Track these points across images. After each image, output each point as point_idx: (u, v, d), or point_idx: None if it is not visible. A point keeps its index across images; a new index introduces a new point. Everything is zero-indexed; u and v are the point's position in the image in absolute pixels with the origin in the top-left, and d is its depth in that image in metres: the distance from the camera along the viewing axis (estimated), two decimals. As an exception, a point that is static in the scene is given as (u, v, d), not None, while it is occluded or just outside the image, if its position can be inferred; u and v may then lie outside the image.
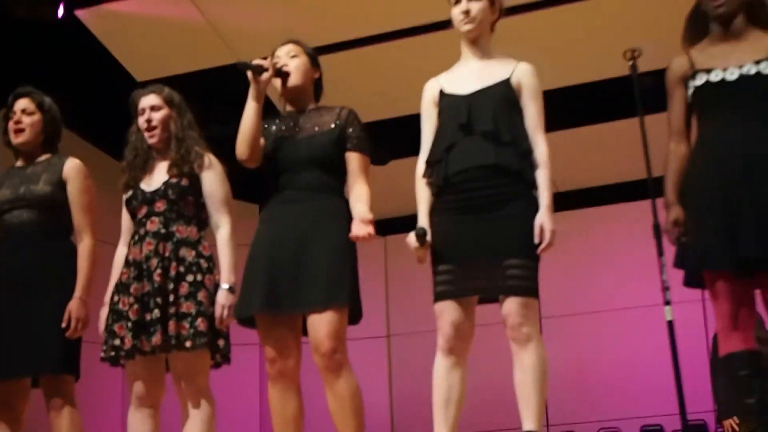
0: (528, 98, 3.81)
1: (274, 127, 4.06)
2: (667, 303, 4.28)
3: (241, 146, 3.95)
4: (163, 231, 4.06)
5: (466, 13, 3.83)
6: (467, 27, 3.86)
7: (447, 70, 3.99)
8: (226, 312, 3.95)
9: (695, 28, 3.88)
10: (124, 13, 9.55)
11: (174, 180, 4.13)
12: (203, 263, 4.05)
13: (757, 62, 3.66)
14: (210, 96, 10.11)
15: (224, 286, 4.00)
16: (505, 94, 3.79)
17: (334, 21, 8.76)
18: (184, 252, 4.04)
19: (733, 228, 3.52)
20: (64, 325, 4.10)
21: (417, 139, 3.93)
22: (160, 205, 4.10)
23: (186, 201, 4.13)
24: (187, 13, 9.49)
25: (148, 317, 3.94)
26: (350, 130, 3.98)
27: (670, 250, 3.86)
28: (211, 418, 4.02)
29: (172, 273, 3.99)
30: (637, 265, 9.78)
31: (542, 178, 3.72)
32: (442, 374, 3.70)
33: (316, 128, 4.00)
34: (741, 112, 3.64)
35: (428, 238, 3.71)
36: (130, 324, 3.94)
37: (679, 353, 4.37)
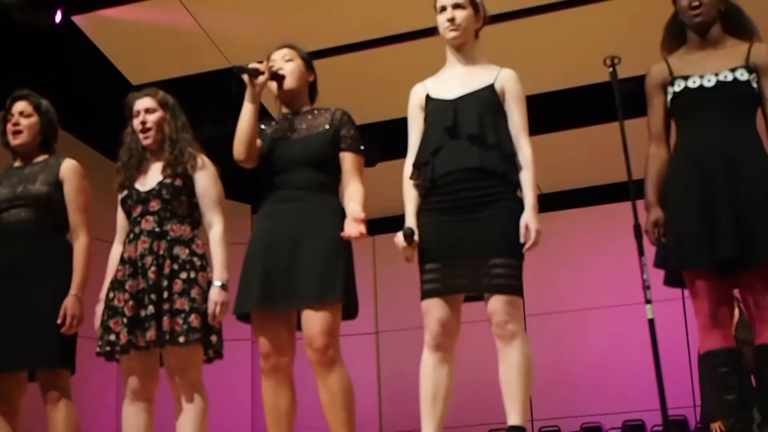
0: (511, 102, 3.82)
1: (270, 129, 4.07)
2: (648, 302, 4.28)
3: (238, 147, 3.95)
4: (157, 230, 4.07)
5: (452, 20, 3.84)
6: (452, 34, 3.86)
7: (433, 75, 4.00)
8: (218, 309, 3.95)
9: (673, 36, 3.90)
10: (120, 18, 9.54)
11: (168, 180, 4.13)
12: (196, 261, 4.06)
13: (733, 69, 3.67)
14: (203, 99, 10.11)
15: (217, 283, 4.00)
16: (489, 99, 3.80)
17: (324, 27, 8.77)
18: (177, 250, 4.05)
19: (712, 229, 3.53)
20: (59, 321, 4.10)
21: (404, 141, 3.93)
22: (155, 205, 4.11)
23: (179, 200, 4.13)
24: (181, 19, 9.49)
25: (142, 313, 3.94)
26: (344, 130, 3.99)
27: (650, 251, 3.87)
28: (204, 412, 4.03)
29: (166, 270, 4.00)
30: (618, 264, 9.82)
31: (526, 179, 3.73)
32: (429, 370, 3.70)
33: (311, 129, 4.00)
34: (718, 117, 3.66)
35: (416, 237, 3.72)
36: (125, 320, 3.95)
37: (660, 350, 4.38)
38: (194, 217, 4.18)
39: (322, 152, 3.94)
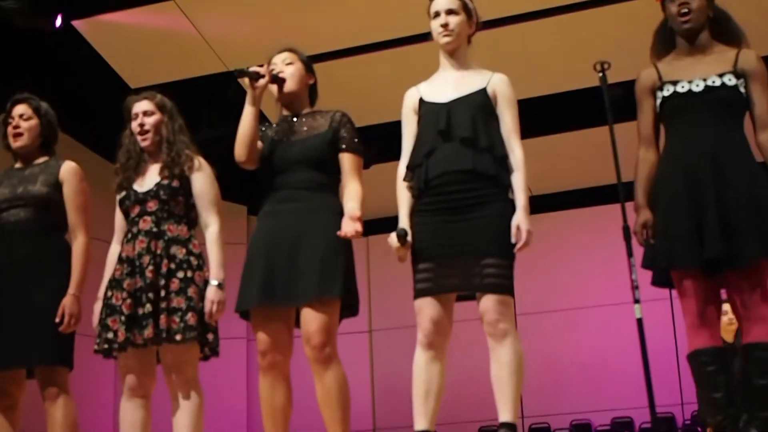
0: (503, 106, 3.82)
1: (270, 131, 4.07)
2: (637, 301, 4.28)
3: (240, 149, 3.95)
4: (154, 229, 4.07)
5: (445, 26, 3.84)
6: (446, 39, 3.87)
7: (426, 79, 3.99)
8: (215, 307, 3.96)
9: (663, 42, 3.90)
10: (119, 23, 9.54)
11: (165, 181, 4.13)
12: (193, 260, 4.06)
13: (721, 75, 3.68)
14: (200, 102, 10.11)
15: (213, 282, 4.01)
16: (481, 102, 3.80)
17: (318, 32, 8.78)
18: (174, 249, 4.05)
19: (699, 229, 3.54)
20: (57, 320, 4.09)
21: (397, 144, 3.93)
22: (152, 205, 4.11)
23: (176, 201, 4.13)
24: (179, 24, 9.49)
25: (140, 311, 3.95)
26: (343, 131, 3.99)
27: (639, 251, 3.87)
28: (200, 408, 4.03)
29: (164, 269, 4.00)
30: (607, 265, 9.82)
31: (518, 181, 3.73)
32: (422, 367, 3.70)
33: (311, 131, 4.00)
34: (706, 121, 3.66)
35: (409, 238, 3.72)
36: (123, 318, 3.95)
37: (648, 349, 4.38)
38: (191, 218, 4.18)
39: (321, 153, 3.94)
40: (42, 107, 4.46)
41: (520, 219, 3.65)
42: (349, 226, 3.72)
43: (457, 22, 3.85)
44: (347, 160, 3.97)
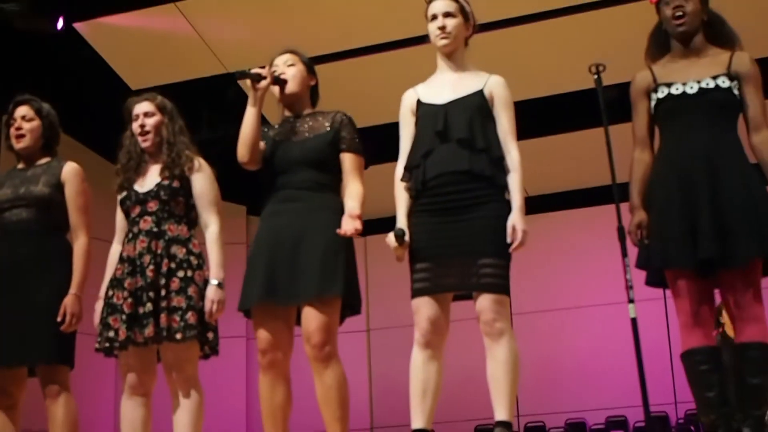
0: (500, 108, 3.82)
1: (272, 132, 4.07)
2: (631, 301, 4.27)
3: (242, 150, 3.95)
4: (155, 229, 4.07)
5: (442, 28, 3.85)
6: (443, 42, 3.87)
7: (423, 81, 3.99)
8: (215, 306, 3.96)
9: (657, 45, 3.90)
10: (120, 25, 9.54)
11: (166, 182, 4.13)
12: (193, 260, 4.06)
13: (715, 77, 3.68)
14: (200, 103, 10.11)
15: (213, 281, 4.01)
16: (478, 104, 3.80)
17: (316, 35, 8.78)
18: (175, 249, 4.05)
19: (693, 230, 3.54)
20: (59, 319, 4.09)
21: (394, 145, 3.93)
22: (153, 205, 4.11)
23: (177, 201, 4.13)
24: (179, 26, 9.49)
25: (141, 310, 3.95)
26: (344, 132, 3.99)
27: (633, 252, 3.87)
28: (200, 406, 4.04)
29: (164, 269, 4.00)
30: (602, 265, 9.82)
31: (514, 182, 3.73)
32: (419, 366, 3.70)
33: (312, 131, 4.00)
34: (700, 123, 3.66)
35: (406, 238, 3.72)
36: (124, 317, 3.95)
37: (642, 349, 4.38)
38: (191, 218, 4.18)
39: (322, 153, 3.95)
40: (44, 108, 4.46)
41: (515, 219, 3.65)
42: (349, 224, 3.72)
43: (455, 25, 3.85)
44: (348, 160, 3.97)
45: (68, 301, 4.13)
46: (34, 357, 4.14)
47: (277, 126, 4.10)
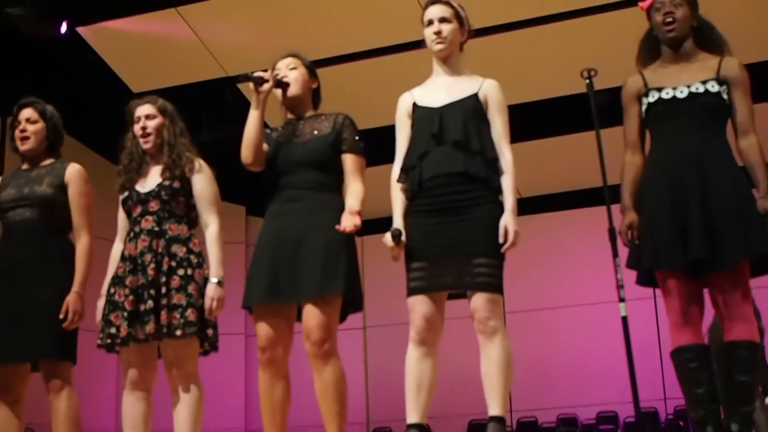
0: (494, 111, 3.82)
1: (275, 134, 4.07)
2: (622, 300, 4.28)
3: (246, 151, 3.95)
4: (156, 229, 4.07)
5: (438, 33, 3.84)
6: (439, 47, 3.86)
7: (419, 85, 3.99)
8: (215, 304, 3.96)
9: (648, 50, 3.90)
10: (122, 30, 9.55)
11: (167, 182, 4.13)
12: (193, 259, 4.06)
13: (704, 82, 3.68)
14: (200, 106, 10.11)
15: (213, 279, 4.00)
16: (473, 107, 3.80)
17: (314, 39, 8.78)
18: (175, 248, 4.05)
19: (684, 231, 3.54)
20: (61, 316, 4.09)
21: (390, 148, 3.93)
22: (154, 205, 4.11)
23: (177, 201, 4.13)
24: (180, 30, 9.51)
25: (142, 308, 3.95)
26: (345, 133, 3.98)
27: (623, 252, 3.87)
28: (200, 401, 4.04)
29: (165, 267, 4.00)
30: (593, 265, 9.84)
31: (507, 183, 3.73)
32: (414, 363, 3.69)
33: (315, 133, 4.00)
34: (690, 127, 3.66)
35: (403, 238, 3.71)
36: (125, 314, 3.95)
37: (632, 346, 4.38)
38: (191, 217, 4.18)
39: (323, 154, 3.94)
40: (48, 111, 4.45)
41: (507, 220, 3.65)
42: (348, 221, 3.72)
43: (450, 30, 3.85)
44: (349, 161, 3.97)
45: (70, 299, 4.13)
46: (37, 353, 4.14)
47: (280, 128, 4.10)
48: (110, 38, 9.64)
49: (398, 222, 3.78)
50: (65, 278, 4.18)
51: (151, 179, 4.18)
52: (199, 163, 4.21)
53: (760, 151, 3.66)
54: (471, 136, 3.72)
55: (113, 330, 3.98)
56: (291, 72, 4.05)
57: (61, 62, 9.57)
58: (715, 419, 3.53)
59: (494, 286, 3.61)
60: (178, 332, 3.92)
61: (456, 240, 3.64)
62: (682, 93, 3.68)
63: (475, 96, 3.82)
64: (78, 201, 4.32)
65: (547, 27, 9.21)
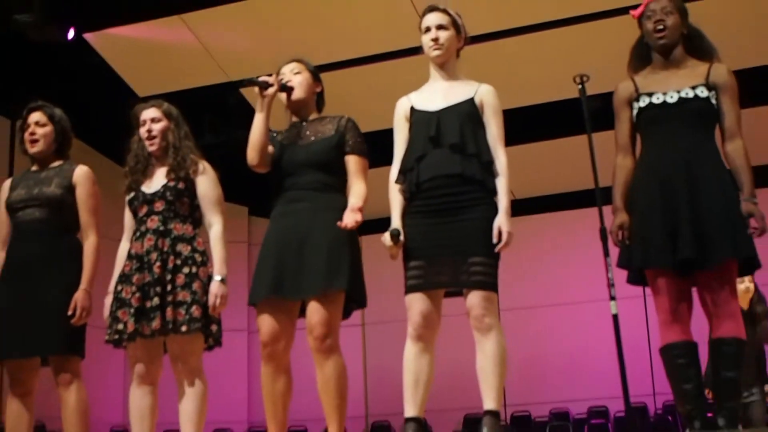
0: (490, 115, 3.82)
1: (280, 136, 4.07)
2: (612, 298, 4.28)
3: (251, 153, 3.95)
4: (161, 228, 4.08)
5: (435, 40, 3.85)
6: (436, 53, 3.87)
7: (416, 89, 4.00)
8: (218, 301, 3.97)
9: (639, 57, 3.90)
10: (128, 36, 9.56)
11: (172, 183, 4.14)
12: (198, 257, 4.07)
13: (694, 87, 3.68)
14: (203, 110, 10.12)
15: (217, 277, 4.01)
16: (469, 111, 3.80)
17: (313, 46, 8.78)
18: (180, 247, 4.06)
19: (673, 232, 3.55)
20: (69, 313, 4.10)
21: (388, 150, 3.94)
22: (159, 206, 4.12)
23: (182, 202, 4.14)
24: (184, 37, 9.52)
25: (148, 304, 3.96)
26: (348, 135, 3.99)
27: (614, 252, 3.88)
28: (204, 395, 4.05)
29: (170, 265, 4.01)
30: (585, 264, 9.85)
31: (501, 185, 3.73)
32: (412, 359, 3.70)
33: (318, 135, 4.00)
34: (680, 131, 3.66)
35: (401, 237, 3.72)
36: (132, 310, 3.96)
37: (623, 343, 4.39)
38: (195, 217, 4.19)
39: (327, 156, 3.94)
40: (56, 114, 4.45)
41: (501, 221, 3.66)
42: (349, 217, 3.73)
43: (447, 37, 3.86)
44: (352, 162, 3.97)
45: (78, 296, 4.14)
46: (46, 349, 4.15)
47: (284, 130, 4.11)
48: (116, 44, 9.64)
49: (396, 222, 3.78)
50: (73, 277, 4.19)
51: (157, 180, 4.19)
52: (203, 165, 4.22)
53: (745, 155, 3.67)
54: (467, 139, 3.73)
55: (120, 326, 3.98)
56: (295, 76, 4.06)
57: (69, 67, 9.57)
58: (703, 414, 3.54)
59: (489, 284, 3.62)
60: (183, 328, 3.93)
61: (452, 240, 3.65)
62: (672, 98, 3.69)
63: (471, 100, 3.82)
64: (86, 201, 4.33)
65: (541, 34, 9.22)
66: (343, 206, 3.84)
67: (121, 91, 9.96)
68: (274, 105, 3.99)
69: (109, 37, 9.53)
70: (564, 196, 11.86)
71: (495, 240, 3.63)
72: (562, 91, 8.11)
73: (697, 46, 3.83)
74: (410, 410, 3.67)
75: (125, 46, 9.62)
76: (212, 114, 10.33)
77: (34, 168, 4.44)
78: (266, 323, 3.85)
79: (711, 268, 3.54)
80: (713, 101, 3.68)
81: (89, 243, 4.27)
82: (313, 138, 3.99)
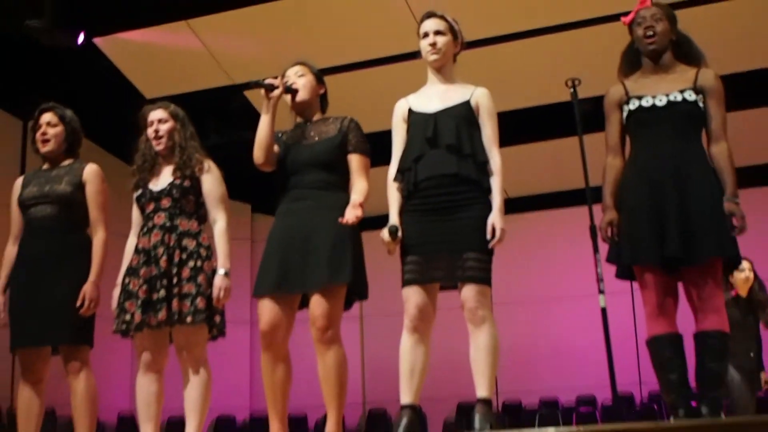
0: (485, 117, 3.82)
1: (285, 136, 4.07)
2: (601, 292, 4.30)
3: (257, 153, 3.96)
4: (168, 224, 4.10)
5: (433, 45, 3.85)
6: (433, 57, 3.87)
7: (414, 92, 4.00)
8: (222, 293, 4.00)
9: (629, 62, 3.90)
10: (136, 41, 9.56)
11: (178, 181, 4.15)
12: (202, 251, 4.09)
13: (682, 91, 3.68)
14: (208, 112, 10.11)
15: (221, 271, 4.04)
16: (465, 114, 3.80)
17: (315, 50, 8.78)
18: (186, 242, 4.08)
19: (661, 230, 3.55)
20: (78, 304, 4.11)
21: (386, 151, 3.94)
22: (166, 203, 4.13)
23: (188, 199, 4.15)
24: (190, 42, 9.51)
25: (154, 296, 3.98)
26: (351, 135, 3.99)
27: (603, 248, 3.88)
28: (208, 383, 4.07)
29: (176, 259, 4.03)
30: (575, 260, 9.86)
31: (495, 184, 3.73)
32: (408, 349, 3.70)
33: (322, 135, 4.00)
34: (668, 132, 3.67)
35: (399, 234, 3.72)
36: (139, 302, 3.98)
37: (611, 335, 4.40)
38: (200, 214, 4.20)
39: (330, 155, 3.95)
40: (67, 115, 4.46)
41: (495, 218, 3.66)
42: (350, 213, 3.74)
43: (444, 42, 3.86)
44: (355, 161, 3.97)
45: (87, 288, 4.15)
46: (57, 338, 4.16)
47: (289, 131, 4.11)
48: (124, 48, 9.63)
49: (394, 219, 3.78)
50: (82, 271, 4.20)
51: (164, 178, 4.20)
52: (208, 164, 4.23)
53: (729, 157, 3.67)
54: (463, 140, 3.73)
55: (128, 317, 4.00)
56: (299, 79, 4.06)
57: (79, 70, 9.56)
58: (687, 403, 3.54)
59: (483, 278, 3.62)
60: (188, 319, 3.95)
61: (448, 237, 3.65)
62: (661, 101, 3.69)
63: (467, 103, 3.82)
64: (95, 198, 4.33)
65: (535, 40, 9.21)
66: (346, 204, 3.84)
67: (129, 93, 9.96)
68: (279, 106, 4.00)
69: (118, 41, 9.52)
70: (556, 195, 11.86)
71: (489, 236, 3.64)
72: (554, 94, 8.10)
73: (686, 52, 3.83)
74: (406, 398, 3.67)
75: (133, 51, 9.61)
76: (216, 116, 10.32)
77: (45, 167, 4.44)
78: (266, 313, 3.85)
79: (698, 264, 3.54)
80: (701, 105, 3.68)
81: (98, 238, 4.27)
82: (316, 138, 3.99)
